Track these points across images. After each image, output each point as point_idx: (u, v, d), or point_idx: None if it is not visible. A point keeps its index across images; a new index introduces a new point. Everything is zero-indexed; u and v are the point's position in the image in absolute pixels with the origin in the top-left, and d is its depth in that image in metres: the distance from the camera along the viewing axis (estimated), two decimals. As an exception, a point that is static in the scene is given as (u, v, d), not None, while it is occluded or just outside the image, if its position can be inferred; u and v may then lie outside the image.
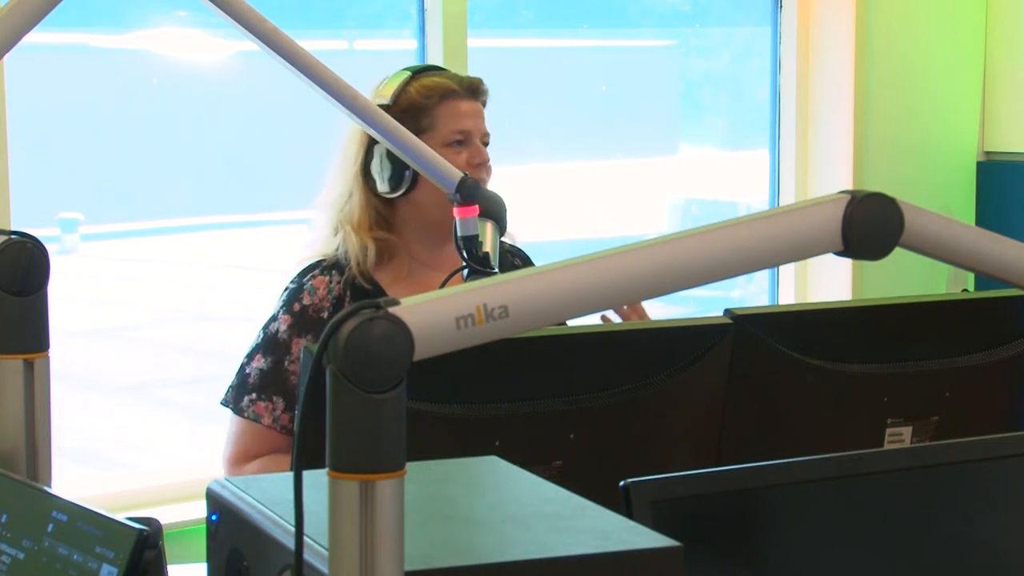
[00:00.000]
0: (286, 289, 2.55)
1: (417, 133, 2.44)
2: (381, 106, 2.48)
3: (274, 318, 2.52)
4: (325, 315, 2.49)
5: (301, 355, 2.27)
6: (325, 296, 2.51)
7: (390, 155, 2.51)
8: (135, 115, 3.48)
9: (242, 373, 2.51)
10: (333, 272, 2.54)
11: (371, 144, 2.55)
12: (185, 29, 3.51)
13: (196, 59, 3.56)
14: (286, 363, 2.47)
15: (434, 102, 2.56)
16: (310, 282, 2.53)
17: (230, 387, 2.52)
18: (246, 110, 3.65)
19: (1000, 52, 4.57)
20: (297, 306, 2.51)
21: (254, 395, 2.48)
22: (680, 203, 4.66)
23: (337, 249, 2.56)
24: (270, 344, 2.49)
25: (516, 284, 1.08)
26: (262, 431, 2.47)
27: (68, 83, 3.43)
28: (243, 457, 2.50)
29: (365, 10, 3.93)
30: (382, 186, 2.55)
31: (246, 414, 2.47)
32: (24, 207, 3.11)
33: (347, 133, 2.61)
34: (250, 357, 2.51)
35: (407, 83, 2.58)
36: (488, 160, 2.59)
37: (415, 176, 2.52)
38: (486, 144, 2.61)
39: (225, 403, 2.52)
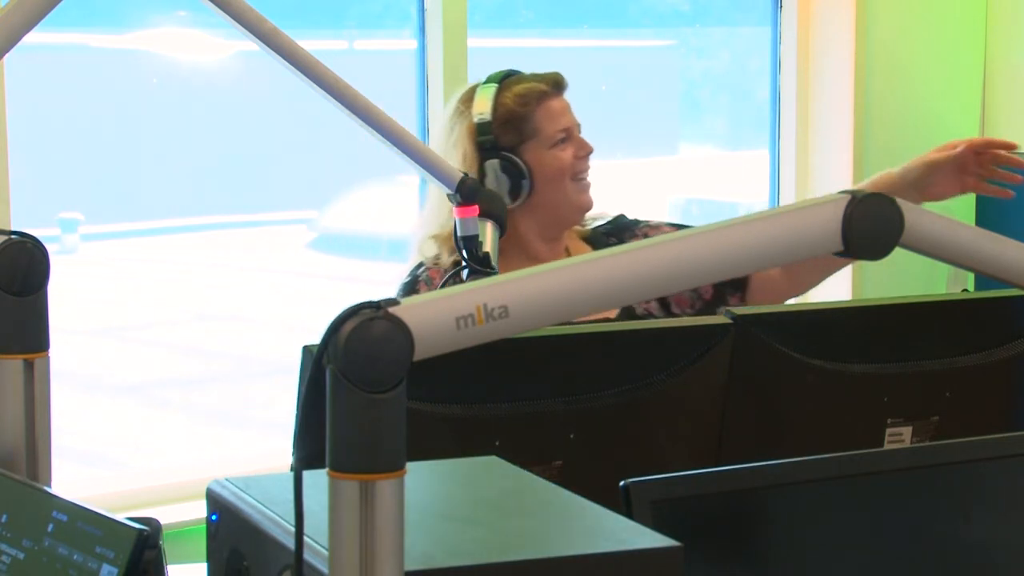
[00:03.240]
0: (402, 286, 2.61)
1: (522, 141, 2.61)
2: (480, 123, 2.61)
3: None
4: None
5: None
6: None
7: (505, 168, 2.60)
8: (135, 115, 3.49)
9: None
10: (443, 263, 2.57)
11: (481, 162, 2.61)
12: (185, 29, 3.51)
13: (196, 59, 3.56)
14: None
15: (532, 108, 2.63)
16: (426, 273, 2.58)
17: None
18: (246, 110, 3.65)
19: (1000, 52, 4.57)
20: None
21: None
22: (680, 203, 4.65)
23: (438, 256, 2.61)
24: None
25: (516, 284, 1.08)
26: None
27: (68, 83, 3.43)
28: None
29: (365, 10, 3.93)
30: (508, 198, 2.61)
31: None
32: (24, 207, 3.11)
33: (455, 155, 2.65)
34: None
35: (499, 95, 2.64)
36: (592, 149, 2.67)
37: (532, 183, 2.61)
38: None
39: None
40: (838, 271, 2.87)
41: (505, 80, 2.66)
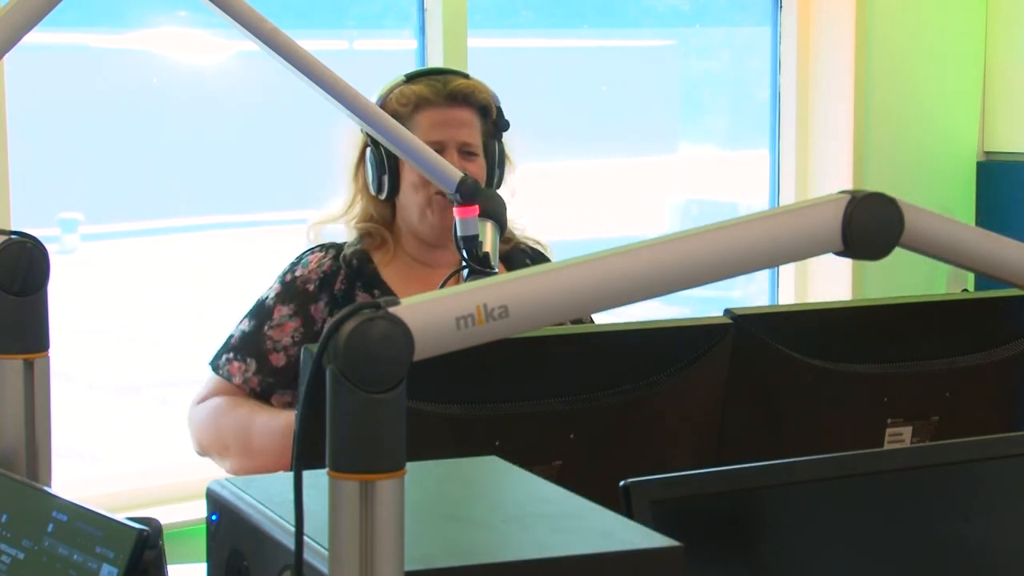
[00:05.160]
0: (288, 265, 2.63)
1: None
2: None
3: (269, 287, 2.59)
4: (311, 287, 2.55)
5: (287, 333, 2.39)
6: (315, 269, 2.57)
7: (374, 161, 2.57)
8: (135, 115, 3.48)
9: (229, 335, 2.58)
10: (331, 250, 2.60)
11: (364, 147, 2.61)
12: (185, 29, 3.51)
13: (196, 59, 3.56)
14: (266, 327, 2.53)
15: (410, 111, 2.56)
16: (307, 257, 2.60)
17: (218, 348, 2.60)
18: (246, 110, 3.65)
19: (1000, 52, 4.57)
20: (289, 277, 2.58)
21: (231, 354, 2.54)
22: (680, 203, 4.66)
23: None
24: (257, 309, 2.57)
25: (516, 284, 1.08)
26: (230, 388, 2.53)
27: (68, 83, 3.43)
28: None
29: (365, 10, 3.93)
30: (373, 188, 2.60)
31: (220, 371, 2.55)
32: (24, 207, 3.11)
33: (345, 137, 2.66)
34: (239, 321, 2.59)
35: (392, 90, 2.60)
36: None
37: (394, 183, 2.57)
38: (471, 153, 2.57)
39: (210, 361, 2.60)
40: None
41: (415, 78, 2.61)
